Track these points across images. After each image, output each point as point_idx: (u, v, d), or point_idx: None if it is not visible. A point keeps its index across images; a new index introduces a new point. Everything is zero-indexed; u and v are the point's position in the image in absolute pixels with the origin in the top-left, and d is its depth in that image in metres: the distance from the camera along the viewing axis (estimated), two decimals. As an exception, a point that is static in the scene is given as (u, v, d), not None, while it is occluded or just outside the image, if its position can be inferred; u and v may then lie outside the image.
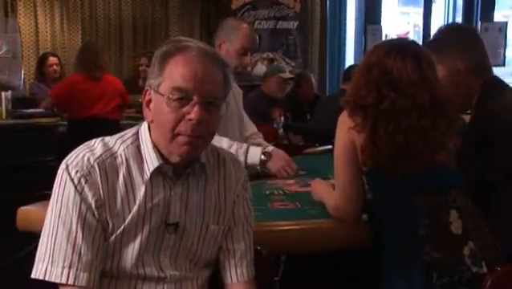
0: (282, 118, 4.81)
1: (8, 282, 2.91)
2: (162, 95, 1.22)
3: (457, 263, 1.51)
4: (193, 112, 1.20)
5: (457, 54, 1.89)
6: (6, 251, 3.05)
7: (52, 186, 1.26)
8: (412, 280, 1.52)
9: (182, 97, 1.20)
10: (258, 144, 2.55)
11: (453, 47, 1.91)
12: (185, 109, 1.21)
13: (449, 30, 2.10)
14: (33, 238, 1.42)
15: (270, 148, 2.53)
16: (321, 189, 1.84)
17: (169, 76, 1.22)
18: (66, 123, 4.50)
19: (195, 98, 1.21)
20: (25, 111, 4.69)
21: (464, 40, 1.94)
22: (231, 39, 2.33)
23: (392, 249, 1.57)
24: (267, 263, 1.49)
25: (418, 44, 1.74)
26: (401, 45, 1.67)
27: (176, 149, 1.24)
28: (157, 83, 1.24)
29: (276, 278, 1.61)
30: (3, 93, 4.59)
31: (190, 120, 1.20)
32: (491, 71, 1.97)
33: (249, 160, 2.28)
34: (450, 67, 1.88)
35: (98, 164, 1.23)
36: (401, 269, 1.54)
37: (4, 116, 4.56)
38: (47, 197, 1.28)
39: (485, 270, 1.51)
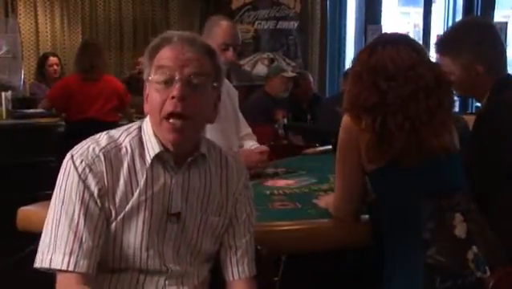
0: (285, 119, 4.81)
1: (8, 282, 2.91)
2: (150, 80, 1.27)
3: (461, 267, 1.50)
4: (175, 90, 1.23)
5: (476, 56, 1.84)
6: (6, 251, 3.05)
7: (52, 186, 1.26)
8: (415, 283, 1.51)
9: (167, 79, 1.24)
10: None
11: (472, 49, 1.85)
12: (170, 90, 1.24)
13: (467, 28, 1.98)
14: (33, 238, 1.42)
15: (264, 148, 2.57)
16: (328, 198, 1.84)
17: (156, 62, 1.27)
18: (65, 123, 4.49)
19: (177, 75, 1.24)
20: (25, 111, 4.69)
21: (484, 41, 1.87)
22: (212, 36, 2.38)
23: (395, 251, 1.56)
24: (267, 263, 1.49)
25: (407, 35, 1.75)
26: (389, 36, 1.69)
27: (166, 136, 1.26)
28: (147, 72, 1.29)
29: (276, 279, 1.60)
30: (3, 93, 4.59)
31: (173, 97, 1.23)
32: (506, 69, 1.92)
33: None
34: (468, 68, 1.84)
35: (103, 153, 1.26)
36: (404, 271, 1.53)
37: (4, 116, 4.56)
38: (47, 197, 1.29)
39: (488, 274, 1.50)
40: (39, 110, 4.67)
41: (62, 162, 1.27)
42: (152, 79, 1.26)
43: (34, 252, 1.25)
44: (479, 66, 1.84)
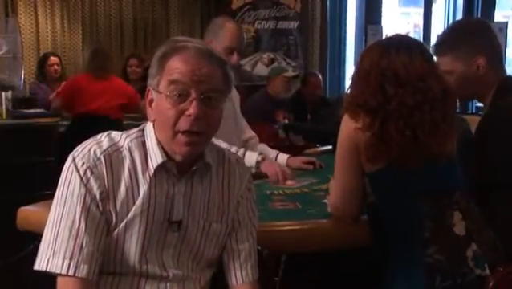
0: (286, 120, 4.80)
1: (8, 282, 2.91)
2: (161, 93, 1.24)
3: (461, 266, 1.51)
4: (192, 108, 1.21)
5: (474, 48, 1.83)
6: (6, 251, 3.04)
7: (52, 186, 1.27)
8: (415, 282, 1.51)
9: (180, 93, 1.22)
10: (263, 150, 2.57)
11: (470, 42, 1.84)
12: (184, 105, 1.22)
13: (462, 25, 2.03)
14: (33, 237, 1.42)
15: (273, 152, 2.54)
16: None
17: (167, 73, 1.24)
18: (66, 123, 4.48)
19: (193, 93, 1.22)
20: (25, 111, 4.69)
21: (480, 34, 1.88)
22: (218, 38, 2.35)
23: (395, 250, 1.56)
24: (267, 263, 1.49)
25: (419, 41, 1.74)
26: (402, 39, 1.66)
27: (178, 148, 1.25)
28: (156, 82, 1.26)
29: (276, 278, 1.60)
30: (3, 93, 4.58)
31: (189, 115, 1.21)
32: (505, 69, 1.92)
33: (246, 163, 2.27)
34: (470, 62, 1.82)
35: (104, 156, 1.25)
36: (404, 271, 1.53)
37: (4, 116, 4.56)
38: (47, 197, 1.29)
39: (487, 272, 1.50)
40: (39, 110, 4.67)
41: (62, 161, 1.26)
42: (164, 92, 1.23)
43: (34, 252, 1.25)
44: (480, 57, 1.82)
